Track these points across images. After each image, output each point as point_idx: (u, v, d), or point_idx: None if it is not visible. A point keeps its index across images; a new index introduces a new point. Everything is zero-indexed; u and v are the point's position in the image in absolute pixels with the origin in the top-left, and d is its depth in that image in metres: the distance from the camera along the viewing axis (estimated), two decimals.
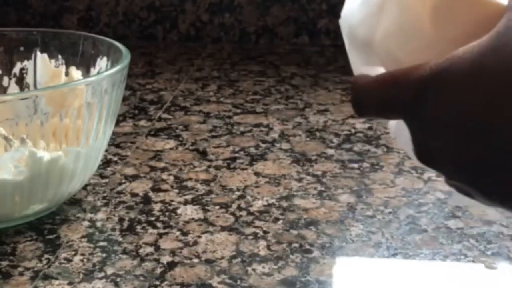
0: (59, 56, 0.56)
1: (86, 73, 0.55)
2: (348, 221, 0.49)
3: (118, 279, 0.42)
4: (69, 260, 0.44)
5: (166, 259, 0.44)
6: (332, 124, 0.67)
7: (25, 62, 0.57)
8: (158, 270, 0.43)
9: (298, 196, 0.52)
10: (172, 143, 0.63)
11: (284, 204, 0.51)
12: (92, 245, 0.46)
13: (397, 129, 0.39)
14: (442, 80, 0.28)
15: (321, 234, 0.47)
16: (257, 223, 0.49)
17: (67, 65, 0.56)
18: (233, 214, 0.50)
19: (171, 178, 0.56)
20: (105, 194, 0.53)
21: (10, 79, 0.58)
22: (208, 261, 0.44)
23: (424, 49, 0.33)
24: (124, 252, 0.45)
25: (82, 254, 0.45)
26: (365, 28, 0.38)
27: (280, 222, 0.49)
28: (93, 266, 0.43)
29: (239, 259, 0.44)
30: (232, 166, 0.58)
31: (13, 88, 0.57)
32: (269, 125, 0.67)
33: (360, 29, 0.38)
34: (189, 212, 0.50)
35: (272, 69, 0.87)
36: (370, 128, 0.66)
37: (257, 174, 0.56)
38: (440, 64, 0.28)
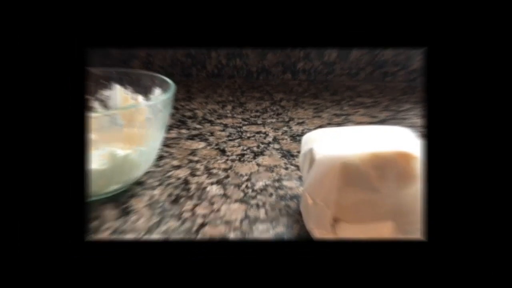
0: (129, 87, 0.56)
1: (146, 98, 0.55)
2: None
3: (168, 234, 0.42)
4: (136, 221, 0.44)
5: (199, 221, 0.44)
6: (307, 131, 0.67)
7: (107, 91, 0.57)
8: (194, 228, 0.43)
9: (285, 179, 0.52)
10: (202, 144, 0.63)
11: (276, 184, 0.51)
12: (151, 211, 0.46)
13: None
14: None
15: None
16: (259, 197, 0.48)
17: (134, 93, 0.56)
18: (243, 191, 0.50)
19: (202, 167, 0.55)
20: (159, 178, 0.53)
21: (97, 102, 0.57)
22: (227, 222, 0.44)
23: None
24: (172, 216, 0.45)
25: (145, 217, 0.45)
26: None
27: (273, 196, 0.49)
28: (152, 225, 0.43)
29: (247, 221, 0.44)
30: (242, 159, 0.58)
31: (99, 108, 0.57)
32: (265, 132, 0.67)
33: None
34: (214, 190, 0.50)
35: (267, 95, 0.87)
36: None
37: (258, 164, 0.56)
38: None
